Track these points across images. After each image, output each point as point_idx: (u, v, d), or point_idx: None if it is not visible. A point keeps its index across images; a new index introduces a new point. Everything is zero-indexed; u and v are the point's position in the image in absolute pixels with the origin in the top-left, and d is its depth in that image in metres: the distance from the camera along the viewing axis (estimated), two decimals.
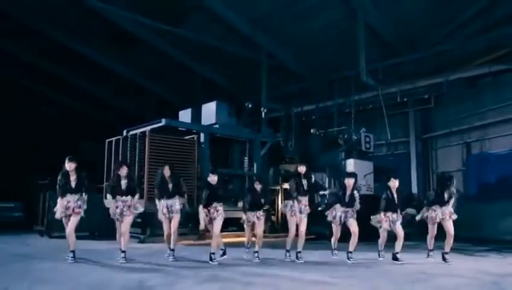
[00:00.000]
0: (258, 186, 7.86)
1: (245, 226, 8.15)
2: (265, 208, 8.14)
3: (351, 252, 7.67)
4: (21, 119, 21.00)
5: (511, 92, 13.07)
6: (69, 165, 7.25)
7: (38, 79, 20.37)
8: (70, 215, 7.19)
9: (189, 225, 11.48)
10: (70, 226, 7.16)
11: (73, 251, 7.13)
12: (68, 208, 7.17)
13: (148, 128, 11.92)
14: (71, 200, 7.19)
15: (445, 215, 7.68)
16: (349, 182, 7.89)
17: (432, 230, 8.01)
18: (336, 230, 8.25)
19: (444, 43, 13.60)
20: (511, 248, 10.21)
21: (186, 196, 8.04)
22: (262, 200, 7.89)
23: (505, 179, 13.10)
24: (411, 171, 15.68)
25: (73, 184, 7.22)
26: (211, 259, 7.16)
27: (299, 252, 7.68)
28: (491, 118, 13.69)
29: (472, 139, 14.38)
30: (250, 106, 15.01)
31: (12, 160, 20.48)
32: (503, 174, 13.18)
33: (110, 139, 12.80)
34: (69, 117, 22.45)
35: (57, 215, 7.33)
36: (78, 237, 7.44)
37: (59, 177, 7.30)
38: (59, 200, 7.28)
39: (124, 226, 7.37)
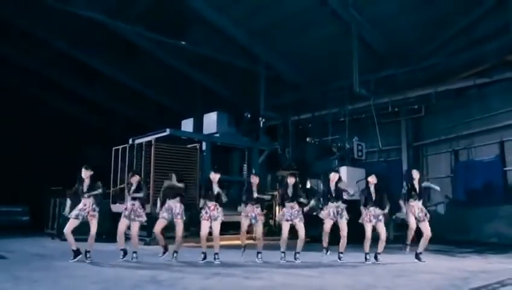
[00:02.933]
0: (254, 180, 8.55)
1: (242, 221, 8.51)
2: (263, 197, 8.70)
3: (341, 253, 8.38)
4: (27, 126, 21.62)
5: (494, 104, 13.76)
6: (84, 173, 7.95)
7: (45, 87, 21.00)
8: (85, 216, 7.78)
9: (191, 229, 12.17)
10: (92, 230, 7.83)
11: (88, 251, 7.76)
12: (84, 210, 7.80)
13: (153, 137, 12.64)
14: (87, 203, 7.86)
15: (421, 212, 8.23)
16: (333, 177, 8.61)
17: (412, 223, 8.20)
18: (328, 225, 8.49)
19: (432, 57, 14.40)
20: (494, 249, 10.92)
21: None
22: (256, 195, 8.42)
23: (490, 184, 13.78)
24: (403, 177, 16.34)
25: (85, 189, 7.88)
26: (215, 259, 7.89)
27: (298, 253, 8.31)
28: (477, 127, 14.32)
29: (460, 147, 15.01)
30: (249, 115, 15.75)
31: (19, 165, 21.14)
32: (489, 180, 13.84)
33: (117, 147, 13.51)
34: (73, 124, 23.02)
35: (70, 214, 7.81)
36: (86, 240, 8.04)
37: (76, 184, 8.03)
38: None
39: (133, 230, 8.27)
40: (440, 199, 15.11)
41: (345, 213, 8.47)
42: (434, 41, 14.35)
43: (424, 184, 8.54)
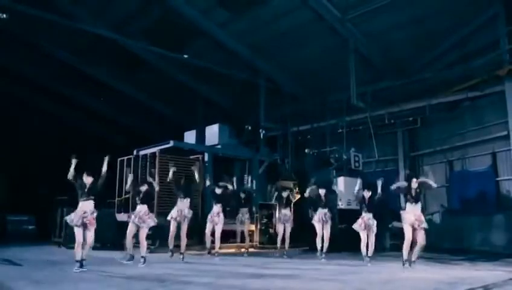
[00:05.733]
0: (242, 195, 12.00)
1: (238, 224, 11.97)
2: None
3: (324, 253, 10.45)
4: (30, 135, 22.04)
5: (487, 116, 14.22)
6: (86, 179, 7.96)
7: (50, 98, 21.37)
8: (85, 224, 7.71)
9: (193, 238, 12.59)
10: (89, 239, 7.75)
11: (83, 260, 7.60)
12: (85, 217, 7.76)
13: (158, 149, 13.12)
14: (87, 210, 7.79)
15: (417, 221, 8.46)
16: (322, 192, 10.92)
17: (408, 233, 8.53)
18: (319, 229, 10.66)
19: (426, 70, 14.91)
20: (486, 257, 11.29)
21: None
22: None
23: (483, 194, 14.14)
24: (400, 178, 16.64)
25: (86, 190, 7.95)
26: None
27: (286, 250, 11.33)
28: (471, 138, 14.76)
29: (454, 157, 15.41)
30: (249, 128, 16.23)
31: (25, 175, 21.54)
32: (482, 190, 14.20)
33: (122, 158, 13.99)
34: (77, 134, 23.45)
35: (73, 222, 7.74)
36: (92, 248, 8.36)
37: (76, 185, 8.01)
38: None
39: (141, 236, 8.84)
40: (435, 208, 15.54)
41: (329, 220, 10.72)
42: (428, 55, 14.88)
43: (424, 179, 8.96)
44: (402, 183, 9.19)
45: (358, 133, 16.91)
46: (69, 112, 22.69)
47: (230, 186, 10.73)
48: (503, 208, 13.57)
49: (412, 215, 8.56)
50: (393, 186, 9.12)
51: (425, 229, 8.53)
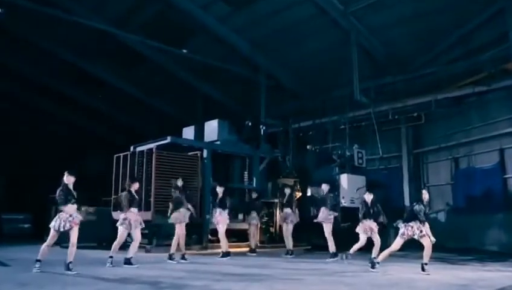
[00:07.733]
0: (254, 195, 12.45)
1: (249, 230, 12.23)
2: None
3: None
4: (30, 136, 21.74)
5: (494, 111, 13.80)
6: (67, 179, 7.42)
7: (47, 96, 21.10)
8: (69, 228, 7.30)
9: (193, 237, 12.29)
10: (73, 238, 7.31)
11: (70, 262, 7.25)
12: (70, 221, 7.29)
13: (155, 145, 12.74)
14: (73, 212, 7.35)
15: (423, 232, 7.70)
16: (325, 187, 10.86)
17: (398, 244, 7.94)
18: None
19: (431, 65, 14.50)
20: (494, 257, 10.95)
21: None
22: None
23: (489, 192, 13.76)
24: (403, 184, 16.26)
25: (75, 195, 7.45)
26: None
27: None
28: (477, 135, 14.35)
29: (459, 154, 15.01)
30: (249, 123, 15.86)
31: (22, 174, 21.27)
32: (489, 187, 13.83)
33: (118, 154, 13.60)
34: (75, 133, 23.17)
35: (56, 227, 7.30)
36: (87, 247, 8.10)
37: (60, 190, 7.38)
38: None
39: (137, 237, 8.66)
40: (440, 207, 15.16)
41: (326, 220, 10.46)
42: (433, 50, 14.45)
43: None
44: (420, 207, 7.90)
45: (361, 129, 16.50)
46: (68, 111, 22.35)
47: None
48: (511, 206, 13.18)
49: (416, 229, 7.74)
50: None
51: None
